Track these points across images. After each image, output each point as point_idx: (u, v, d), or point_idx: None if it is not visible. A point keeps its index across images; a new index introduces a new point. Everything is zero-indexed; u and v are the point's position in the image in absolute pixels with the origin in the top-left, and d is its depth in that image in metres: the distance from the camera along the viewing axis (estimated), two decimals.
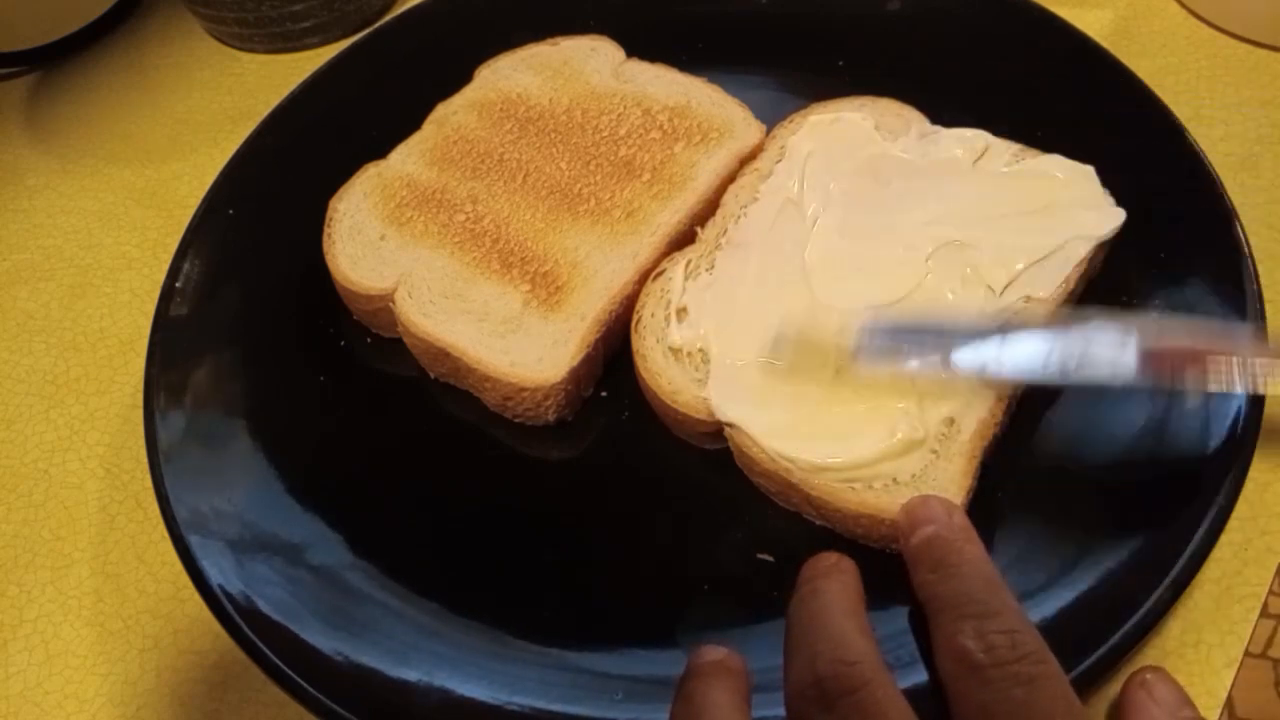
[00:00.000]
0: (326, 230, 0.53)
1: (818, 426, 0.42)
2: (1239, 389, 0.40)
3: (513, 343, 0.47)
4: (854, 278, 0.46)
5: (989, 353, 0.41)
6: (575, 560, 0.44)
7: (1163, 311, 0.45)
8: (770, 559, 0.42)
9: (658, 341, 0.47)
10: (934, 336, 0.42)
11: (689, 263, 0.49)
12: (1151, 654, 0.40)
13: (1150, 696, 0.36)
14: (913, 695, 0.33)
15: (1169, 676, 0.37)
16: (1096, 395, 0.44)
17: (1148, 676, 0.36)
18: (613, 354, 0.49)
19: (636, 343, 0.47)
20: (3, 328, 0.59)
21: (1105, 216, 0.46)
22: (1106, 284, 0.47)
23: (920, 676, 0.37)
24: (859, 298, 0.45)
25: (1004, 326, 0.42)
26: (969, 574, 0.36)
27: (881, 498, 0.41)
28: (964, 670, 0.33)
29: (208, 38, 0.73)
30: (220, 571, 0.43)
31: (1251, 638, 0.40)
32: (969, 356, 0.41)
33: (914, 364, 0.42)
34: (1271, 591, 0.41)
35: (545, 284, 0.49)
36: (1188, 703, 0.36)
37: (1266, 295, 0.44)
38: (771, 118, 0.54)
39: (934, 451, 0.42)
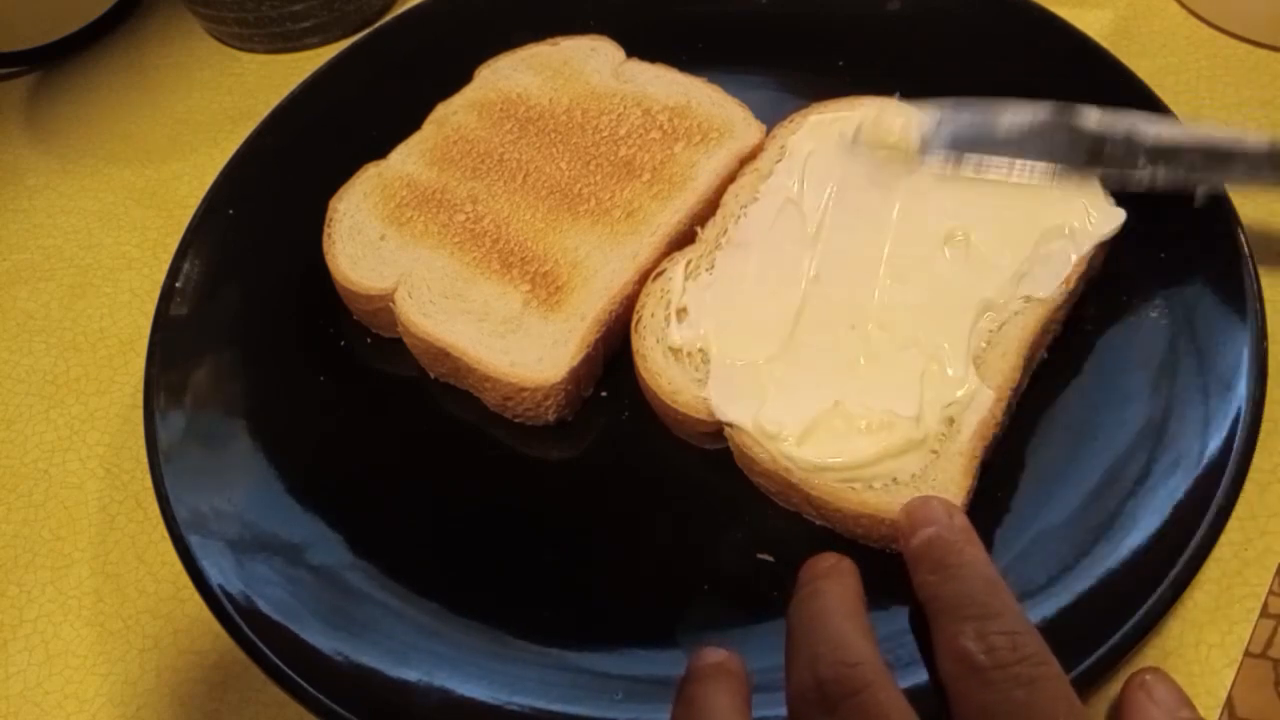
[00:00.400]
0: (326, 230, 0.53)
1: (819, 426, 0.42)
2: None
3: (513, 343, 0.47)
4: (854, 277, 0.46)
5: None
6: (575, 560, 0.44)
7: (1162, 312, 0.45)
8: (770, 559, 0.42)
9: (658, 341, 0.47)
10: (1003, 135, 0.43)
11: (689, 263, 0.49)
12: (1151, 654, 0.40)
13: (1149, 697, 0.36)
14: (913, 696, 0.33)
15: (1168, 677, 0.37)
16: (1096, 394, 0.44)
17: (1147, 677, 0.36)
18: (613, 354, 0.49)
19: (636, 343, 0.47)
20: (3, 328, 0.59)
21: (1105, 216, 0.46)
22: (1106, 284, 0.47)
23: (920, 677, 0.37)
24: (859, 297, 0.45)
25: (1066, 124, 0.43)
26: (969, 575, 0.36)
27: (881, 498, 0.41)
28: (965, 671, 0.33)
29: (208, 38, 0.73)
30: (220, 571, 0.43)
31: (1251, 638, 0.40)
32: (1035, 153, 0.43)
33: (979, 162, 0.43)
34: (1271, 591, 0.41)
35: (545, 284, 0.49)
36: (1187, 703, 0.36)
37: (1266, 295, 0.44)
38: (771, 118, 0.54)
39: (934, 451, 0.42)
